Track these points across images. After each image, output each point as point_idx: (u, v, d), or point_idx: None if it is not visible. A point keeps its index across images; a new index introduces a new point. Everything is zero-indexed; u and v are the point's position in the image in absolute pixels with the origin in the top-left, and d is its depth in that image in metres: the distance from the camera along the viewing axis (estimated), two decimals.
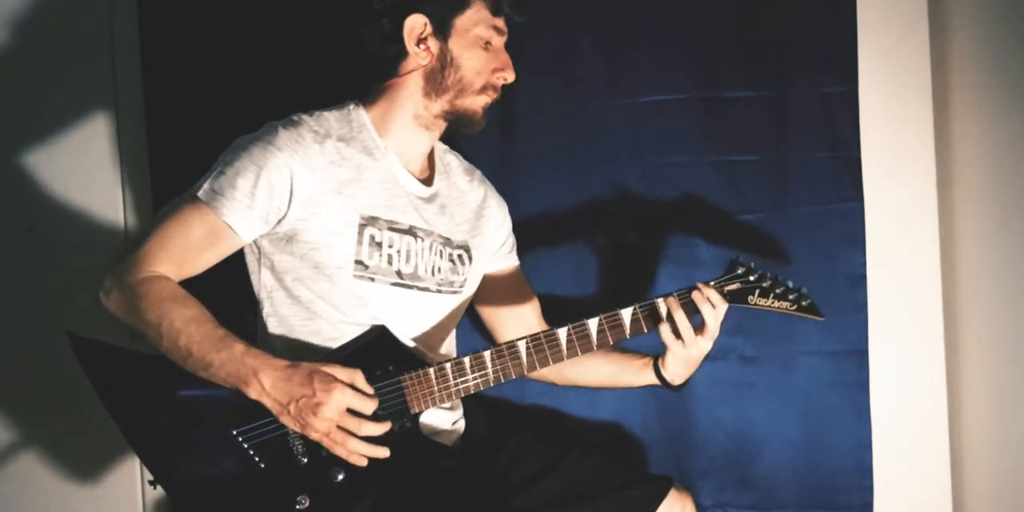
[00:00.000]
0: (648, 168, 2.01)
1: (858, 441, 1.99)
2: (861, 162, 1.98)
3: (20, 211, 2.04)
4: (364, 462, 1.44)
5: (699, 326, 1.54)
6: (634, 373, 1.68)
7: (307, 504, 1.44)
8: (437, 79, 1.60)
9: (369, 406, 1.44)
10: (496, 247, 1.80)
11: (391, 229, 1.58)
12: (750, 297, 1.57)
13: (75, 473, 2.04)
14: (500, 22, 1.62)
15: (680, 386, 1.65)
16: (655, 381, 1.65)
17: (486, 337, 1.87)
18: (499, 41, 1.63)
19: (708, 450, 2.01)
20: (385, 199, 1.58)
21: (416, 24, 1.58)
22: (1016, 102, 1.78)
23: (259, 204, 1.49)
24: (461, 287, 1.70)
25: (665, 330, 1.53)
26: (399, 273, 1.58)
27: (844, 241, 1.98)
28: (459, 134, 1.70)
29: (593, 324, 1.54)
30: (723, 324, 1.95)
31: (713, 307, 1.52)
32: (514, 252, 1.84)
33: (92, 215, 2.04)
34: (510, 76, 1.64)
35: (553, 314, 1.95)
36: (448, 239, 1.67)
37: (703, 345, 1.54)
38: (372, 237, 1.56)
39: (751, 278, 1.57)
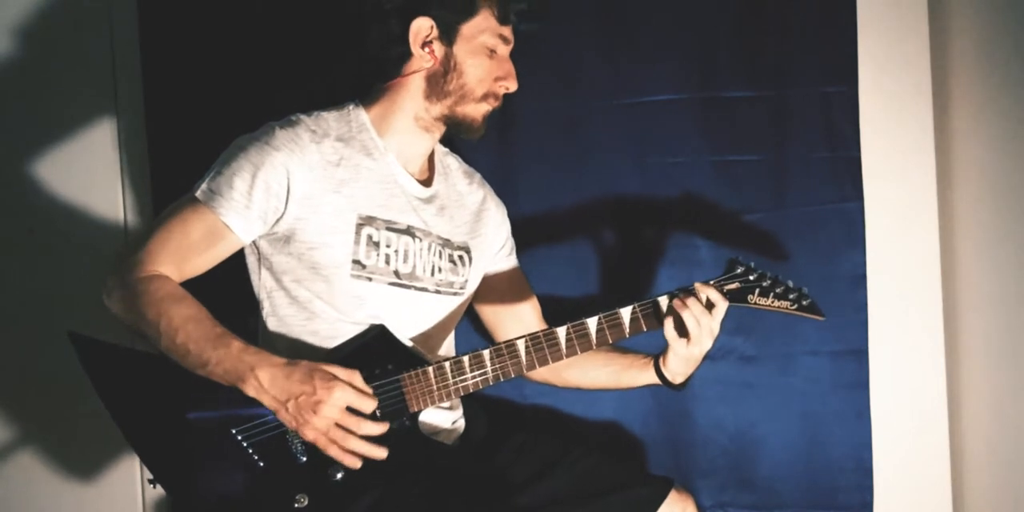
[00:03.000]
0: (648, 168, 2.01)
1: (858, 441, 1.99)
2: (861, 162, 1.98)
3: (20, 211, 2.04)
4: (359, 464, 1.43)
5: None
6: (634, 373, 1.67)
7: (306, 503, 1.44)
8: (439, 83, 1.60)
9: (369, 405, 1.43)
10: (495, 250, 1.80)
11: (389, 229, 1.58)
12: (750, 296, 1.56)
13: (75, 472, 2.04)
14: (507, 31, 1.62)
15: (681, 385, 1.65)
16: (656, 380, 1.65)
17: (486, 337, 1.87)
18: (504, 50, 1.63)
19: (708, 450, 2.01)
20: (383, 199, 1.59)
21: (423, 27, 1.58)
22: (1016, 102, 1.78)
23: (256, 204, 1.49)
24: (462, 288, 1.70)
25: (669, 328, 1.53)
26: (397, 273, 1.58)
27: (844, 241, 1.99)
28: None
29: (592, 323, 1.53)
30: (723, 324, 1.96)
31: (713, 306, 1.52)
32: (513, 254, 1.84)
33: (92, 215, 2.04)
34: (512, 85, 1.64)
35: (553, 314, 1.95)
36: (448, 240, 1.67)
37: (705, 343, 1.53)
38: (370, 236, 1.56)
39: (751, 277, 1.56)
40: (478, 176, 1.82)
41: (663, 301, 1.55)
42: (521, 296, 1.81)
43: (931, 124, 2.02)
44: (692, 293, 1.53)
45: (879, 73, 2.01)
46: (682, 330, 1.52)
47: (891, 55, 2.01)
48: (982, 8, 1.87)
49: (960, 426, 2.01)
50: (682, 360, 1.58)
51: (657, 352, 1.64)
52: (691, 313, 1.50)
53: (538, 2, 1.66)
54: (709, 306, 1.52)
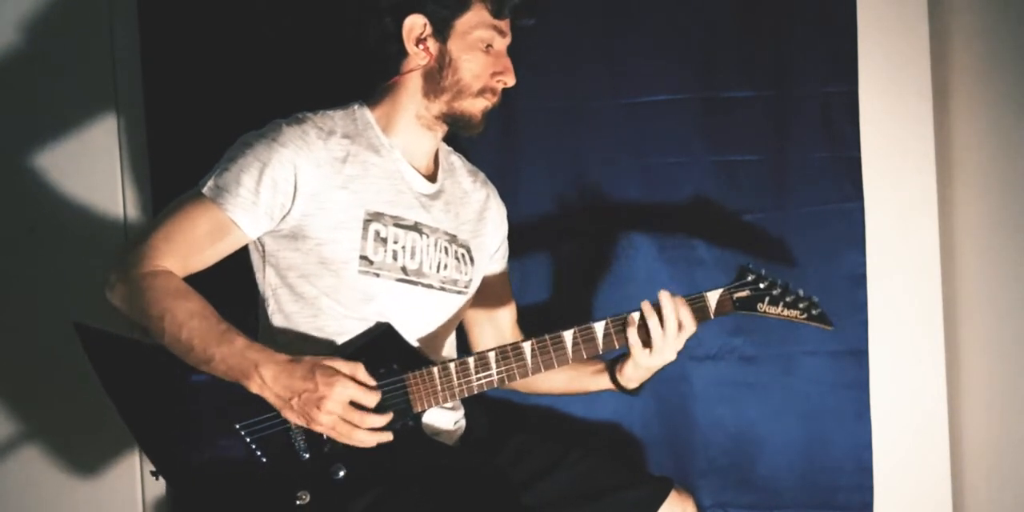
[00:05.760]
0: (648, 168, 2.01)
1: (858, 441, 1.99)
2: (861, 162, 1.98)
3: (20, 209, 2.04)
4: (374, 443, 1.44)
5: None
6: (588, 379, 1.67)
7: (307, 499, 1.44)
8: (435, 80, 1.60)
9: (372, 399, 1.44)
10: (492, 251, 1.80)
11: (396, 225, 1.58)
12: (759, 305, 1.55)
13: (75, 470, 2.04)
14: (503, 24, 1.62)
15: (635, 390, 1.64)
16: (610, 386, 1.65)
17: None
18: (501, 44, 1.63)
19: (708, 450, 2.01)
20: (391, 195, 1.59)
21: (415, 24, 1.58)
22: (1016, 102, 1.78)
23: (263, 200, 1.49)
24: (466, 288, 1.70)
25: (634, 336, 1.52)
26: (404, 269, 1.58)
27: (844, 241, 1.98)
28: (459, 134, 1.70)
29: (599, 327, 1.53)
30: (723, 324, 1.96)
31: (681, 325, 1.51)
32: (505, 259, 1.84)
33: (92, 213, 2.04)
34: (510, 80, 1.63)
35: (554, 315, 1.95)
36: (454, 236, 1.68)
37: (668, 356, 1.53)
38: (377, 232, 1.56)
39: (761, 285, 1.55)
40: (482, 175, 1.82)
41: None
42: (502, 301, 1.82)
43: (931, 124, 2.02)
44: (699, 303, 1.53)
45: (879, 73, 2.01)
46: (648, 340, 1.52)
47: (891, 55, 2.01)
48: (982, 8, 1.88)
49: (960, 426, 2.01)
50: (642, 369, 1.58)
51: (611, 358, 1.64)
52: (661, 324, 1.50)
53: (533, 2, 1.65)
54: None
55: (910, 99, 2.02)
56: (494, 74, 1.61)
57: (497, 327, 1.81)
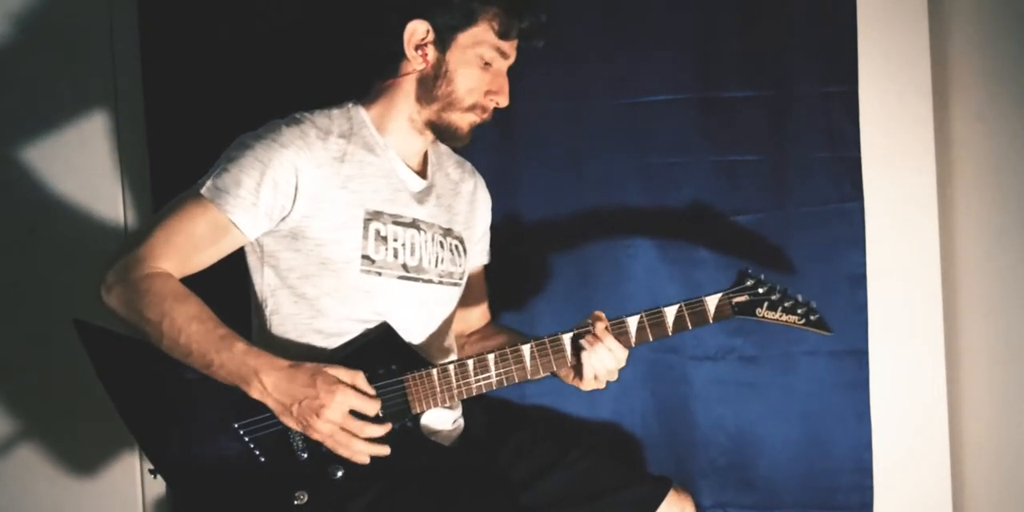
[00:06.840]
0: (648, 168, 2.01)
1: (858, 441, 1.99)
2: (861, 162, 1.98)
3: (20, 210, 2.04)
4: (367, 460, 1.44)
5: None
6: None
7: (305, 499, 1.44)
8: (429, 87, 1.60)
9: (372, 407, 1.44)
10: (476, 239, 1.80)
11: (395, 223, 1.58)
12: (758, 309, 1.56)
13: (75, 469, 2.04)
14: (507, 46, 1.61)
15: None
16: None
17: None
18: (501, 64, 1.63)
19: (708, 450, 2.01)
20: (388, 194, 1.59)
21: (418, 30, 1.58)
22: (1016, 102, 1.78)
23: (264, 201, 1.49)
24: (461, 279, 1.71)
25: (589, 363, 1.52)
26: (405, 266, 1.59)
27: (844, 241, 1.98)
28: None
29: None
30: (724, 324, 1.96)
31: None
32: (487, 252, 1.85)
33: (92, 214, 2.04)
34: (503, 101, 1.63)
35: (554, 315, 1.95)
36: (448, 229, 1.69)
37: (600, 385, 1.56)
38: (377, 231, 1.56)
39: (760, 290, 1.55)
40: (468, 165, 1.83)
41: (669, 312, 1.54)
42: (477, 297, 1.83)
43: (931, 124, 2.02)
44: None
45: (879, 73, 2.01)
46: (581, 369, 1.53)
47: (891, 55, 2.01)
48: (982, 8, 1.88)
49: (960, 426, 2.01)
50: (588, 383, 1.58)
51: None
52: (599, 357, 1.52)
53: (544, 25, 1.66)
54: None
55: (910, 99, 2.02)
56: (488, 92, 1.61)
57: (468, 323, 1.82)
